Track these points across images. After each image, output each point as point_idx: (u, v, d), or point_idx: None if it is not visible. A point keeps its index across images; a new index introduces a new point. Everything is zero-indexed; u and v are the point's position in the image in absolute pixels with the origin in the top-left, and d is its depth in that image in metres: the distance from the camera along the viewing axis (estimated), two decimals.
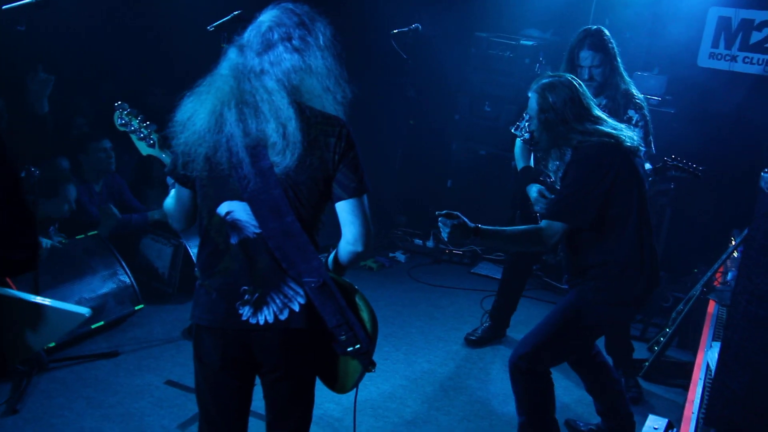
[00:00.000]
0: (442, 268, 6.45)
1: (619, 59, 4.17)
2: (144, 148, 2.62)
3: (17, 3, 3.40)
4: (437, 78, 7.09)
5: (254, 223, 2.24)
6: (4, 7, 3.43)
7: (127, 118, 2.60)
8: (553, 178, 3.58)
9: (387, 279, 6.02)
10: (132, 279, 4.89)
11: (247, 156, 2.19)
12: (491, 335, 4.92)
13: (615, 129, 3.16)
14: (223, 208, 2.27)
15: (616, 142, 3.10)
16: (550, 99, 3.16)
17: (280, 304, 2.28)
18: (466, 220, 2.99)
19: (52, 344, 4.23)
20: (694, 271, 5.47)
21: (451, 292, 5.86)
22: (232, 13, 4.23)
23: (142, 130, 2.58)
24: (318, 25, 2.28)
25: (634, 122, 4.08)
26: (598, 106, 4.12)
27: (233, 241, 2.28)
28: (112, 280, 4.80)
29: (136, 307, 4.86)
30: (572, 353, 3.50)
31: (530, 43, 6.48)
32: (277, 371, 2.39)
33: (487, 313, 5.10)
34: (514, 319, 4.94)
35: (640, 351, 4.63)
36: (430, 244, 6.76)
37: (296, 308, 2.28)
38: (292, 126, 2.17)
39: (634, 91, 4.17)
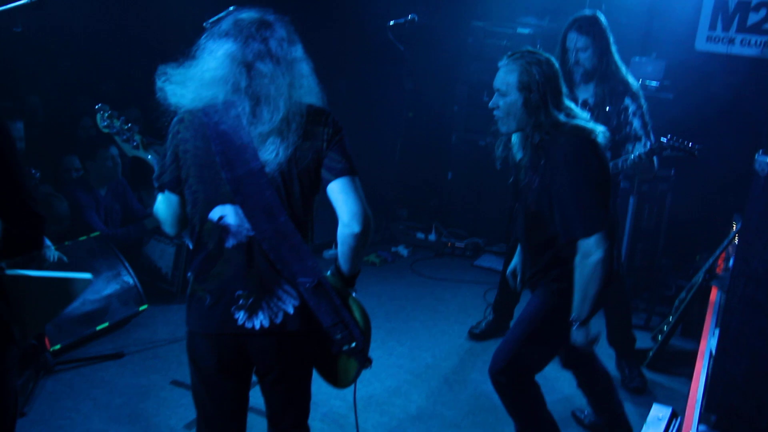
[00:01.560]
0: (445, 261, 6.45)
1: (613, 47, 4.06)
2: (129, 150, 2.62)
3: (12, 4, 3.40)
4: (435, 69, 7.07)
5: (247, 225, 2.23)
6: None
7: (108, 120, 2.60)
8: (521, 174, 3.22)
9: (390, 273, 6.03)
10: (136, 279, 4.91)
11: (237, 157, 2.17)
12: (495, 328, 4.93)
13: (586, 121, 2.92)
14: (216, 213, 2.26)
15: (592, 134, 2.87)
16: (537, 76, 2.83)
17: (274, 308, 2.28)
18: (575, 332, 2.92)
19: (58, 346, 4.25)
20: (697, 258, 5.46)
21: (454, 286, 5.87)
22: (228, 9, 4.20)
23: (124, 131, 2.59)
24: (293, 34, 2.28)
25: (630, 112, 4.03)
26: (591, 95, 4.09)
27: (227, 245, 2.26)
28: (116, 281, 4.82)
29: (141, 308, 4.88)
30: (548, 359, 3.25)
31: (527, 31, 6.46)
32: (273, 372, 2.40)
33: (490, 305, 5.10)
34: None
35: (643, 340, 4.63)
36: (432, 237, 6.75)
37: (290, 311, 2.28)
38: (295, 121, 2.18)
39: (631, 79, 4.10)
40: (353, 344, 2.31)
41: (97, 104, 2.62)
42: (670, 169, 5.48)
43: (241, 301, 2.27)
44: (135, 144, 2.57)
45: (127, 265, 4.92)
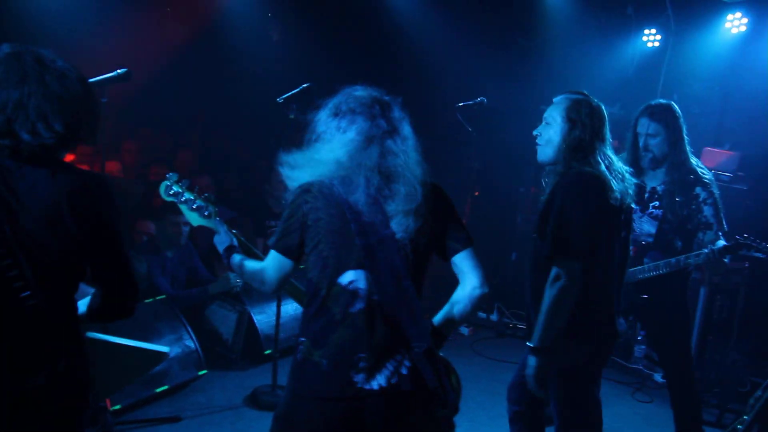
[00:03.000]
0: (506, 342, 6.33)
1: (685, 137, 4.00)
2: (195, 219, 2.69)
3: (102, 77, 3.64)
4: (502, 150, 7.13)
5: (374, 290, 2.30)
6: (89, 80, 3.66)
7: (179, 189, 2.68)
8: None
9: (449, 352, 5.80)
10: (197, 344, 4.94)
11: (370, 225, 2.28)
12: None
13: (613, 175, 2.92)
14: (346, 278, 2.31)
15: (602, 178, 2.88)
16: (584, 115, 2.93)
17: (392, 369, 2.31)
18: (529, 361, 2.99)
19: (118, 406, 4.29)
20: None
21: (515, 367, 5.66)
22: (301, 86, 4.38)
23: (197, 201, 2.66)
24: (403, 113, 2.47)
25: (701, 199, 3.95)
26: (660, 183, 4.03)
27: (352, 310, 2.31)
28: (178, 344, 4.86)
29: (200, 372, 4.89)
30: (592, 410, 3.33)
31: None
32: None
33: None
34: None
35: None
36: (493, 317, 6.66)
37: (404, 371, 2.32)
38: (421, 193, 2.32)
39: (702, 169, 4.02)
40: (446, 410, 2.34)
41: (169, 173, 2.71)
42: (743, 262, 5.30)
43: (361, 364, 2.29)
44: (207, 214, 2.65)
45: (189, 329, 4.97)
